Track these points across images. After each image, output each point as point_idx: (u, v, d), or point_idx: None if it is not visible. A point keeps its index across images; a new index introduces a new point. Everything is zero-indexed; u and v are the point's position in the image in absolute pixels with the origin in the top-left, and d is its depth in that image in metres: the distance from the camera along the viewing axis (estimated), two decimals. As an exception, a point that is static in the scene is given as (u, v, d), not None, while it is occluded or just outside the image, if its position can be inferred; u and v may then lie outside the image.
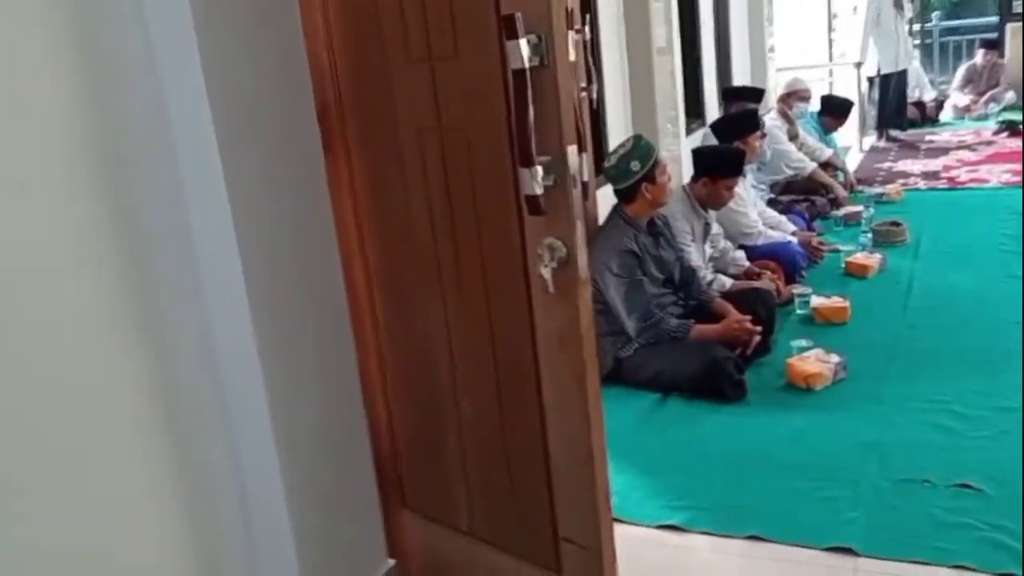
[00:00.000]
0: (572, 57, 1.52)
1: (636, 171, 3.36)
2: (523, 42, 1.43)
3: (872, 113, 8.66)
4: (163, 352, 1.63)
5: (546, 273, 1.56)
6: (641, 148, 3.41)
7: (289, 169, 1.80)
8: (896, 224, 5.08)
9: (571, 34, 1.53)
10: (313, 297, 1.88)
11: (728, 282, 3.87)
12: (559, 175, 1.51)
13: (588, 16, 4.08)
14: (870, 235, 4.99)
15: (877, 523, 2.31)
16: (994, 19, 10.78)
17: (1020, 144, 7.61)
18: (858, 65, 8.46)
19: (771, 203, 5.34)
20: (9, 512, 1.35)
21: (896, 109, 8.61)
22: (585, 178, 1.57)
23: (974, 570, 2.09)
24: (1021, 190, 5.70)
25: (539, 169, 1.49)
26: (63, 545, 1.44)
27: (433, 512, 2.13)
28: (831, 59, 10.18)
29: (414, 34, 1.69)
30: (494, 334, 1.78)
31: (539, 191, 1.51)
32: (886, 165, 7.47)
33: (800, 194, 5.74)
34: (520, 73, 1.45)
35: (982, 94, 9.72)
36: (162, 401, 1.63)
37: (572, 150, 1.51)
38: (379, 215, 1.93)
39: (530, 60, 1.45)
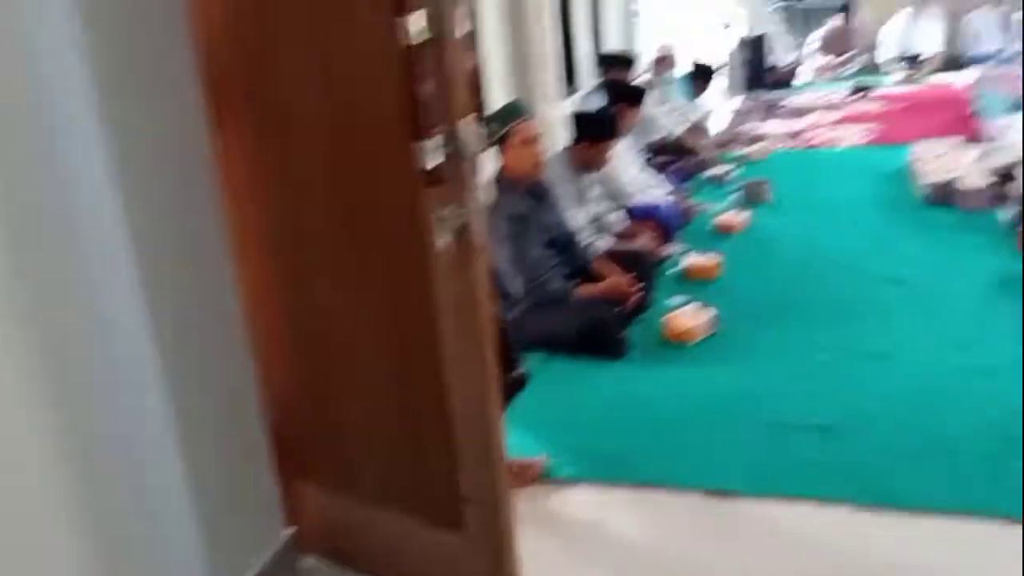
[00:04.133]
0: (462, 30, 1.57)
1: (494, 133, 3.41)
2: (414, 17, 1.47)
3: (736, 76, 9.00)
4: (51, 328, 1.59)
5: (444, 242, 1.61)
6: (502, 111, 3.46)
7: (174, 141, 1.77)
8: (761, 184, 5.34)
9: (461, 7, 1.58)
10: (200, 270, 1.87)
11: (607, 243, 4.00)
12: (455, 146, 1.56)
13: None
14: (737, 195, 5.23)
15: (753, 465, 2.49)
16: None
17: (872, 107, 8.09)
18: (725, 27, 8.77)
19: (644, 165, 5.51)
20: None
21: (758, 71, 8.99)
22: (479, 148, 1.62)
23: (841, 503, 2.29)
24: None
25: (435, 141, 1.54)
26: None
27: (332, 479, 2.16)
28: (696, 22, 10.48)
29: (302, 6, 1.69)
30: (393, 304, 1.82)
31: (436, 163, 1.55)
32: (749, 127, 7.80)
33: (670, 156, 5.94)
34: (412, 48, 1.49)
35: (838, 56, 10.25)
36: (52, 378, 1.59)
37: (466, 121, 1.56)
38: (270, 188, 1.93)
39: (421, 35, 1.48)
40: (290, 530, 2.20)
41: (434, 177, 1.57)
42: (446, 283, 1.68)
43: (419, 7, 1.47)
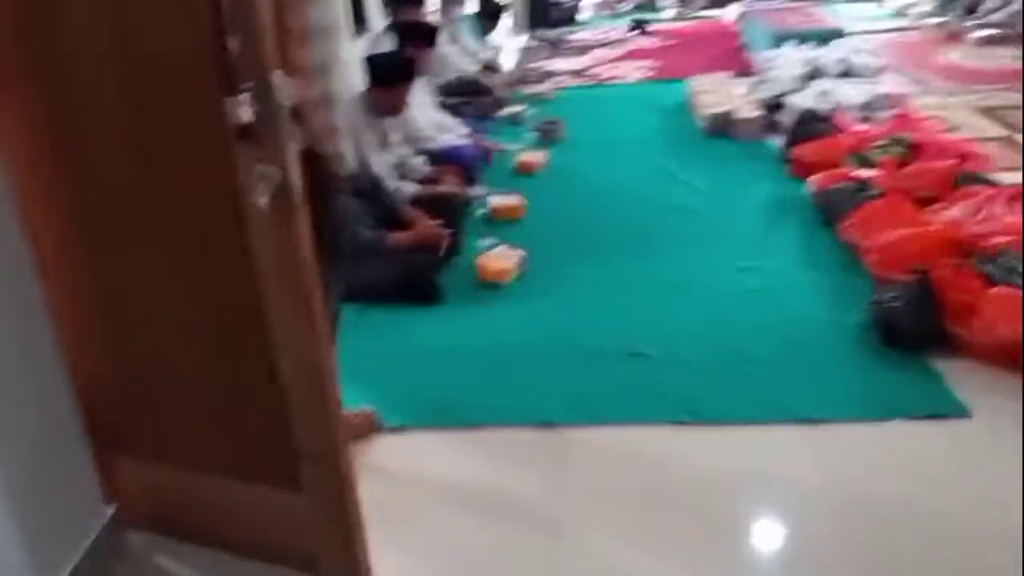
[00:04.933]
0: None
1: None
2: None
3: (521, 14, 9.10)
4: None
5: (262, 201, 1.55)
6: None
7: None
8: (555, 122, 5.47)
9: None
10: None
11: (413, 188, 3.98)
12: (266, 102, 1.49)
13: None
14: (533, 134, 5.34)
15: (575, 395, 2.61)
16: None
17: (650, 41, 8.45)
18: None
19: (440, 107, 5.50)
20: None
21: (542, 9, 9.14)
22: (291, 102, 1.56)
23: (653, 422, 2.45)
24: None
25: (245, 96, 1.47)
26: None
27: (154, 451, 2.07)
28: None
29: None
30: (207, 267, 1.74)
31: (247, 119, 1.49)
32: (537, 65, 7.94)
33: (464, 96, 5.95)
34: (218, 1, 1.40)
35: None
36: None
37: (277, 75, 1.50)
38: (63, 154, 1.77)
39: (225, -16, 1.40)
40: (111, 508, 2.09)
41: (247, 134, 1.50)
42: (266, 242, 1.63)
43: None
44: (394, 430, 2.52)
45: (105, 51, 1.60)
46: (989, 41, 6.79)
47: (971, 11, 7.51)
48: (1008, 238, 2.94)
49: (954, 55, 6.70)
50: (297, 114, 1.83)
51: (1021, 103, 4.97)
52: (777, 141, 4.85)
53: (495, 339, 3.01)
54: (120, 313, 1.92)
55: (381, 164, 3.91)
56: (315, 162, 1.99)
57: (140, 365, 1.97)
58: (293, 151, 1.56)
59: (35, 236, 1.83)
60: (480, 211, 4.17)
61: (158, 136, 1.65)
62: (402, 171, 4.19)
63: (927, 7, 8.23)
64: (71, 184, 1.80)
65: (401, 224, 3.57)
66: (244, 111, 1.48)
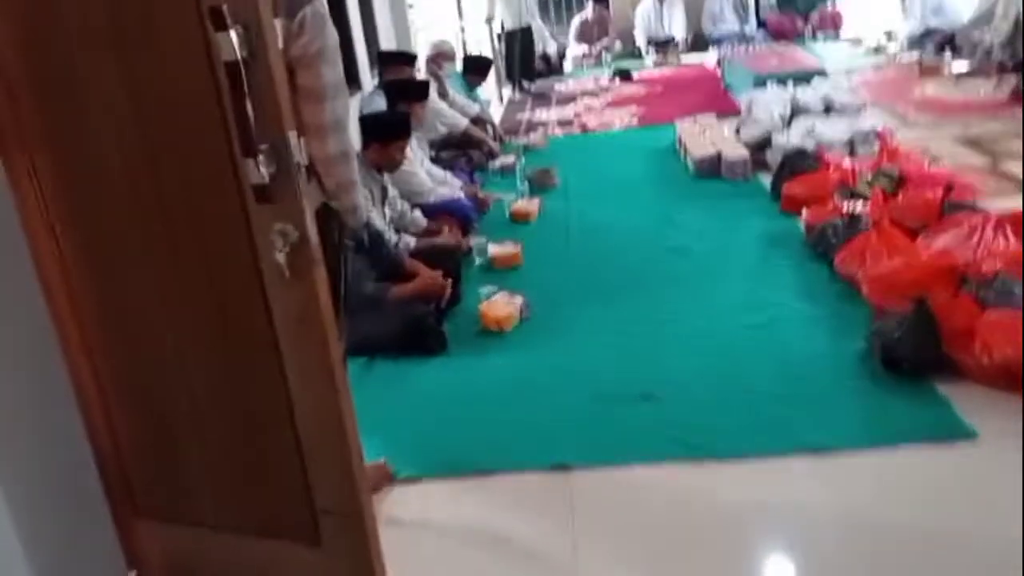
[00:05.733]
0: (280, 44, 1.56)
1: None
2: (232, 34, 1.44)
3: (509, 67, 9.27)
4: None
5: (281, 258, 1.59)
6: None
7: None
8: (547, 170, 5.56)
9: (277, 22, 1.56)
10: (9, 311, 1.74)
11: (412, 241, 4.04)
12: (282, 161, 1.54)
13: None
14: (526, 183, 5.42)
15: (583, 437, 2.63)
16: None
17: (634, 88, 8.61)
18: (488, 21, 9.00)
19: (433, 161, 5.59)
20: None
21: (526, 62, 9.31)
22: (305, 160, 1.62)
23: (663, 461, 2.47)
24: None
25: (262, 157, 1.52)
26: None
27: (172, 512, 2.07)
28: (461, 15, 10.70)
29: (100, 19, 1.60)
30: (227, 326, 1.77)
31: (264, 179, 1.54)
32: (525, 115, 8.08)
33: (456, 150, 6.05)
34: (232, 65, 1.46)
35: (593, 45, 10.82)
36: None
37: (292, 135, 1.55)
38: (80, 215, 1.81)
39: (240, 51, 1.46)
40: (132, 573, 2.09)
41: (264, 193, 1.55)
42: (284, 298, 1.66)
43: (236, 23, 1.44)
44: (406, 481, 2.54)
45: (125, 114, 1.65)
46: (965, 74, 6.94)
47: (942, 48, 7.69)
48: (1002, 263, 3.00)
49: (931, 89, 6.85)
50: (312, 171, 1.89)
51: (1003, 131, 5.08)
52: (766, 179, 4.94)
53: (502, 385, 3.03)
54: (138, 373, 1.95)
55: (380, 218, 3.97)
56: (327, 217, 2.05)
57: (158, 424, 1.99)
58: (309, 208, 1.61)
59: (53, 297, 1.87)
60: (479, 260, 4.22)
61: (176, 197, 1.69)
62: (400, 224, 4.25)
63: (900, 45, 8.43)
64: (88, 243, 1.84)
65: (402, 276, 3.62)
66: (261, 172, 1.53)
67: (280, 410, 1.78)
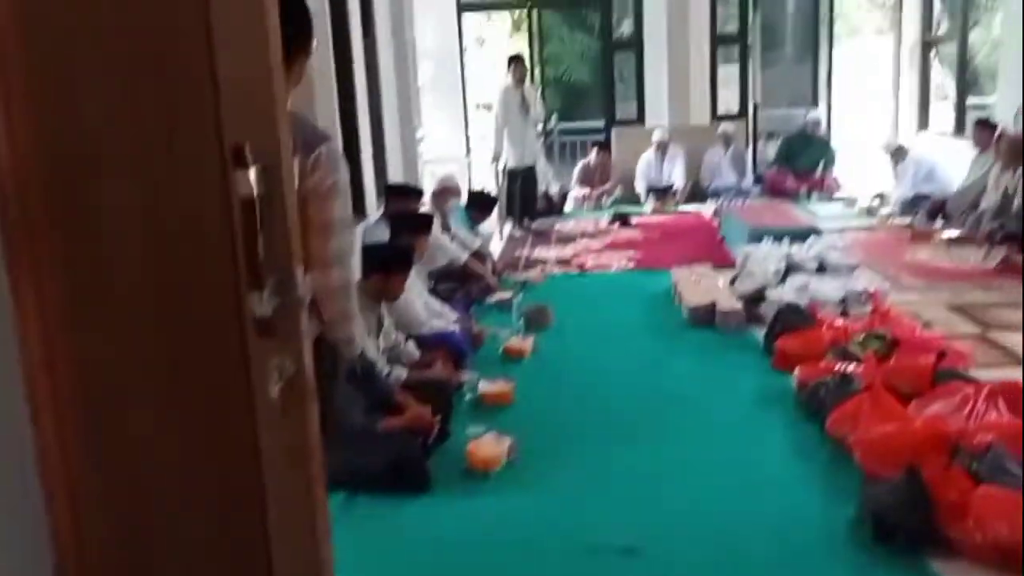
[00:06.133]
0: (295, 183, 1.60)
1: None
2: (252, 171, 1.48)
3: (510, 204, 9.48)
4: None
5: (275, 391, 1.58)
6: None
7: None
8: (542, 308, 5.60)
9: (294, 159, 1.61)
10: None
11: (404, 373, 4.02)
12: (287, 295, 1.56)
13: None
14: (522, 320, 5.45)
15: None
16: (600, 123, 12.48)
17: (632, 233, 8.80)
18: (494, 159, 9.27)
19: (431, 292, 5.64)
20: None
21: (528, 200, 9.53)
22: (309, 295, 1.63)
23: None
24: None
25: (267, 291, 1.53)
26: None
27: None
28: (468, 151, 11.04)
29: (124, 148, 1.64)
30: (217, 456, 1.74)
31: (268, 313, 1.54)
32: (525, 252, 8.21)
33: (455, 282, 6.12)
34: (248, 201, 1.49)
35: (595, 188, 11.12)
36: None
37: (299, 271, 1.57)
38: (80, 338, 1.81)
39: (258, 188, 1.49)
40: None
41: (266, 327, 1.56)
42: (275, 431, 1.64)
43: (256, 161, 1.48)
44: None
45: (137, 243, 1.66)
46: (956, 242, 7.11)
47: (934, 215, 7.92)
48: (994, 435, 2.99)
49: (922, 254, 7.00)
50: (312, 303, 1.90)
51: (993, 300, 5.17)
52: (759, 332, 4.98)
53: (485, 532, 2.96)
54: (119, 495, 1.90)
55: (374, 348, 3.97)
56: (320, 346, 2.05)
57: (135, 545, 1.92)
58: (308, 342, 1.61)
59: (38, 414, 1.84)
60: (469, 396, 4.20)
61: (179, 322, 1.69)
62: (393, 355, 4.25)
63: (893, 208, 8.67)
64: (83, 366, 1.82)
65: (392, 409, 3.58)
66: (266, 305, 1.54)
67: (257, 550, 1.73)
